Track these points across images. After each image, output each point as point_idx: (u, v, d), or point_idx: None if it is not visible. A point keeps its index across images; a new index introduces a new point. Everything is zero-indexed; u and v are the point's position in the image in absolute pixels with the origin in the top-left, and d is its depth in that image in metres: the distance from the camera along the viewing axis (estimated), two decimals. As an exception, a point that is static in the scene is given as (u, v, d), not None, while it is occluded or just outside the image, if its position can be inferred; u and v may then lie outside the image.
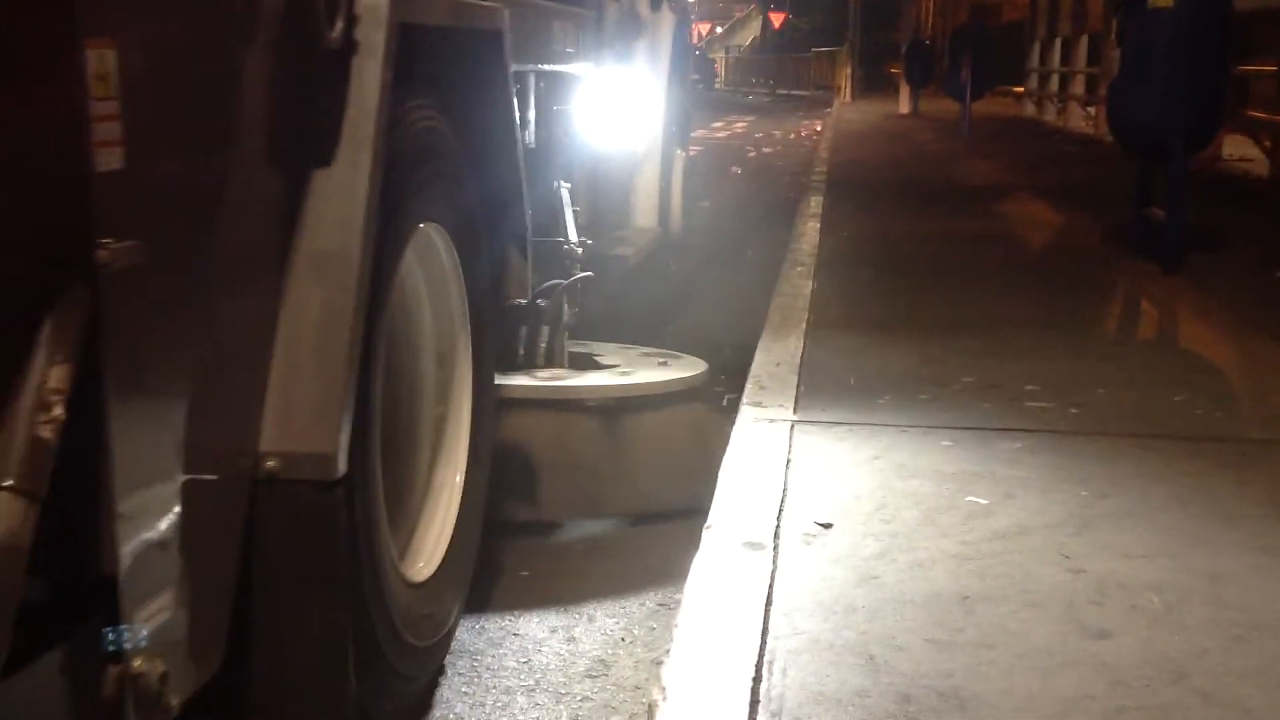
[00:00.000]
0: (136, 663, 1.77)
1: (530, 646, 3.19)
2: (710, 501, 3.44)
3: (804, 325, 5.70)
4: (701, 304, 7.18)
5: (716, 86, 46.64)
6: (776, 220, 10.06)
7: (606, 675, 3.07)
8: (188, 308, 1.94)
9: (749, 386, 4.66)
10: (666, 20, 6.35)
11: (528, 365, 4.01)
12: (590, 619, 3.34)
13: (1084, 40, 20.00)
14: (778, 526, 3.29)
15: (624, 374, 4.19)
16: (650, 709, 2.42)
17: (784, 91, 39.78)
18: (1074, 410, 4.43)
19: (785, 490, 3.56)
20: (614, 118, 4.98)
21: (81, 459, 1.64)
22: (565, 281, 4.12)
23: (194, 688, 1.98)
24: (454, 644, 3.09)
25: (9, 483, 1.51)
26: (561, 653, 3.17)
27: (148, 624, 1.81)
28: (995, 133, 19.33)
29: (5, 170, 1.58)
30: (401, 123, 2.52)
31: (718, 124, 25.46)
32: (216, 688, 2.07)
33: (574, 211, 4.37)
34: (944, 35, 35.18)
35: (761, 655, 2.58)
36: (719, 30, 67.46)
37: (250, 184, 2.12)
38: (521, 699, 2.94)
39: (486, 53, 3.10)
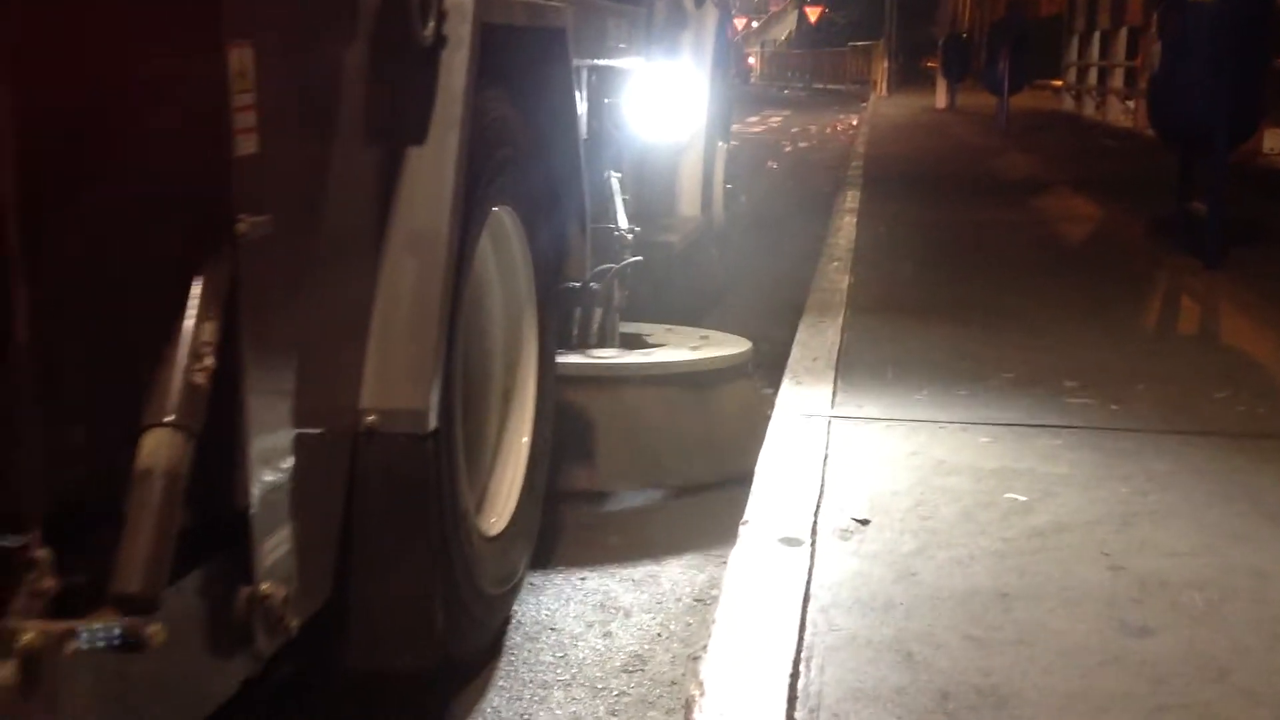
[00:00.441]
0: (264, 586, 1.99)
1: (567, 641, 3.19)
2: (753, 473, 3.63)
3: (841, 320, 5.68)
4: (743, 289, 7.24)
5: (751, 81, 46.57)
6: (813, 213, 10.04)
7: (643, 670, 3.06)
8: (306, 275, 2.18)
9: (786, 381, 4.65)
10: (710, 16, 6.52)
11: (582, 344, 4.23)
12: (626, 614, 3.34)
13: (1123, 33, 19.84)
14: (815, 522, 3.28)
15: (674, 352, 4.37)
16: (688, 704, 2.42)
17: (819, 86, 39.69)
18: (1114, 406, 4.39)
19: (823, 486, 3.55)
20: (661, 110, 5.20)
21: (224, 405, 1.85)
22: (616, 266, 4.35)
23: (308, 614, 2.21)
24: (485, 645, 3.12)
25: (170, 419, 1.73)
26: (598, 647, 3.16)
27: (273, 553, 2.04)
28: (1033, 126, 19.21)
29: (164, 156, 1.85)
30: (480, 112, 2.72)
31: (753, 119, 25.40)
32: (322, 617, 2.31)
33: (623, 200, 4.57)
34: (981, 29, 35.00)
35: (799, 651, 2.57)
36: (754, 25, 67.36)
37: (355, 167, 2.38)
38: (558, 693, 2.94)
39: (552, 49, 3.36)
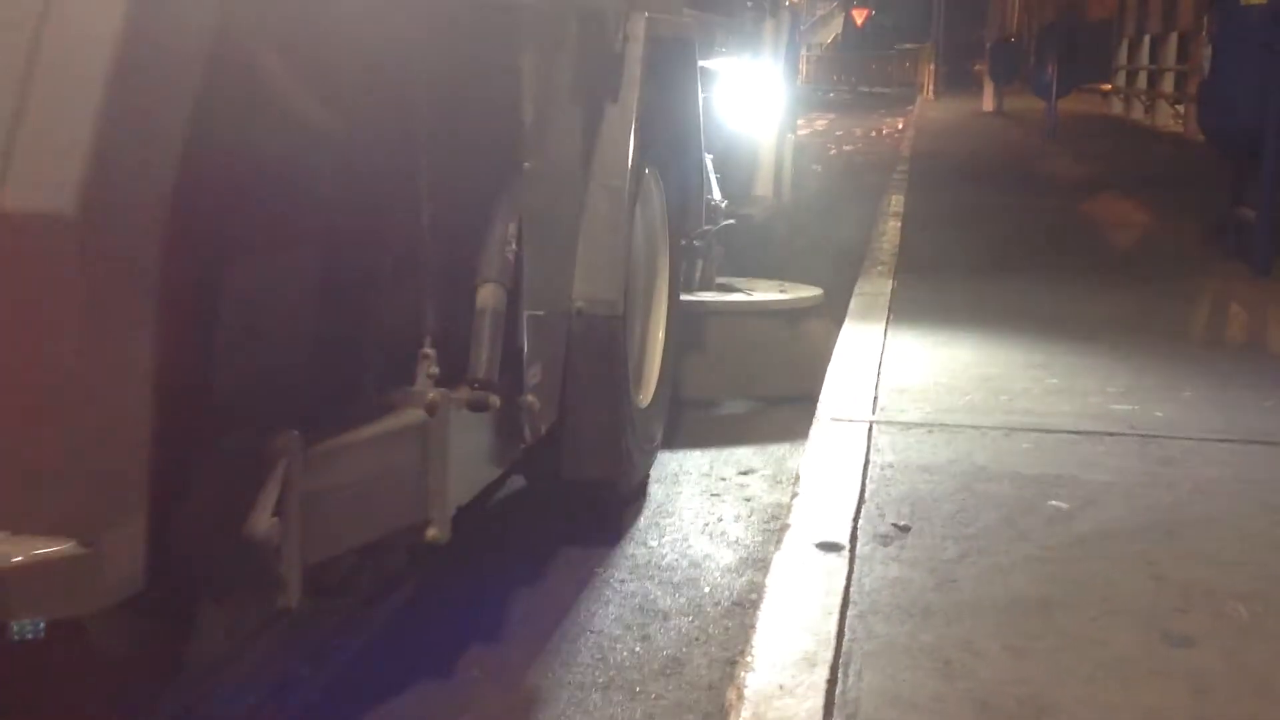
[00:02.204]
0: (529, 397, 3.03)
1: (605, 644, 3.20)
2: (819, 391, 4.56)
3: (883, 323, 5.67)
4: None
5: (798, 84, 46.11)
6: (858, 216, 9.99)
7: (680, 674, 3.06)
8: (552, 201, 3.26)
9: (826, 390, 4.64)
10: (783, 22, 7.58)
11: (687, 289, 5.01)
12: (665, 617, 3.34)
13: (1173, 38, 19.66)
14: (855, 528, 3.27)
15: (765, 295, 5.43)
16: (726, 710, 2.42)
17: (866, 89, 39.47)
18: (1159, 414, 4.35)
19: (863, 492, 3.54)
20: (746, 104, 6.34)
21: (517, 289, 2.85)
22: (715, 228, 5.30)
23: (545, 426, 3.23)
24: (526, 638, 3.21)
25: (494, 277, 2.71)
26: (636, 650, 3.17)
27: (532, 379, 3.05)
28: (1082, 131, 19.06)
29: (486, 126, 2.85)
30: (643, 98, 3.83)
31: (799, 121, 25.31)
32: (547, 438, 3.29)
33: (716, 177, 5.51)
34: (1030, 32, 34.75)
35: (837, 658, 2.57)
36: (801, 28, 67.10)
37: (576, 129, 3.52)
38: (595, 696, 2.95)
39: (685, 54, 4.53)
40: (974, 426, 4.17)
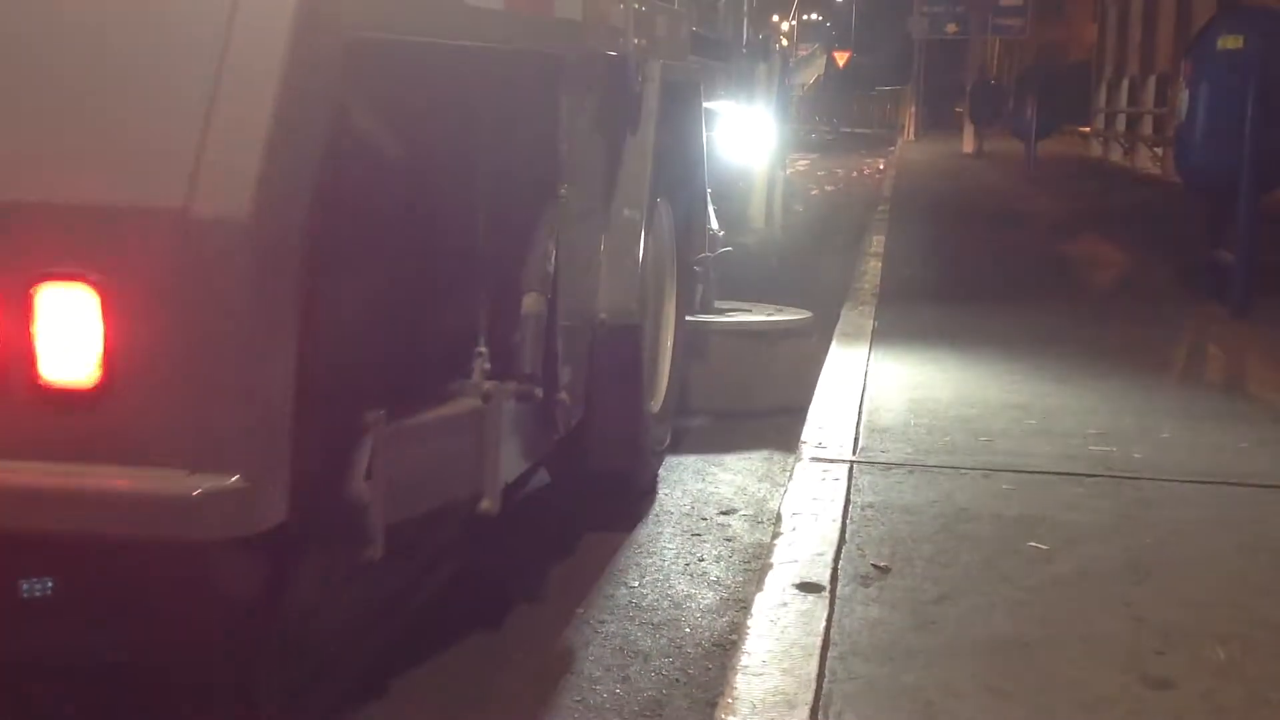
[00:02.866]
0: (562, 394, 3.49)
1: (585, 685, 3.19)
2: (807, 404, 5.00)
3: (864, 365, 5.69)
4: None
5: (787, 123, 46.23)
6: (841, 254, 10.04)
7: (660, 716, 3.06)
8: (580, 223, 3.74)
9: (809, 426, 4.66)
10: (774, 67, 8.16)
11: (689, 310, 5.33)
12: (645, 658, 3.34)
13: (1152, 80, 19.86)
14: (836, 569, 3.28)
15: (760, 316, 5.99)
16: (704, 751, 2.42)
17: (847, 129, 39.75)
18: (1137, 455, 4.38)
19: (844, 532, 3.55)
20: (741, 141, 6.87)
21: (554, 300, 3.29)
22: (714, 254, 5.72)
23: (574, 421, 3.71)
24: (504, 681, 3.22)
25: (536, 287, 3.15)
26: (616, 692, 3.16)
27: (564, 378, 3.52)
28: (1061, 173, 19.22)
29: (533, 160, 3.37)
30: (657, 134, 4.33)
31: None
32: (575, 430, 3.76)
33: (714, 208, 5.93)
34: (1009, 74, 35.04)
35: (818, 699, 2.57)
36: (790, 72, 67.46)
37: (600, 161, 3.99)
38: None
39: (692, 96, 5.08)
40: (954, 467, 4.19)
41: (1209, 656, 2.81)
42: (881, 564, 3.31)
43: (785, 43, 10.33)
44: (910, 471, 4.13)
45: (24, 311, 2.10)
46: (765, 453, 5.21)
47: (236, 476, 2.10)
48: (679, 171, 4.84)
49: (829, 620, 2.95)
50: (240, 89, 2.11)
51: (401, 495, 2.59)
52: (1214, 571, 3.33)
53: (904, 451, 4.34)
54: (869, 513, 3.72)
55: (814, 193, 17.13)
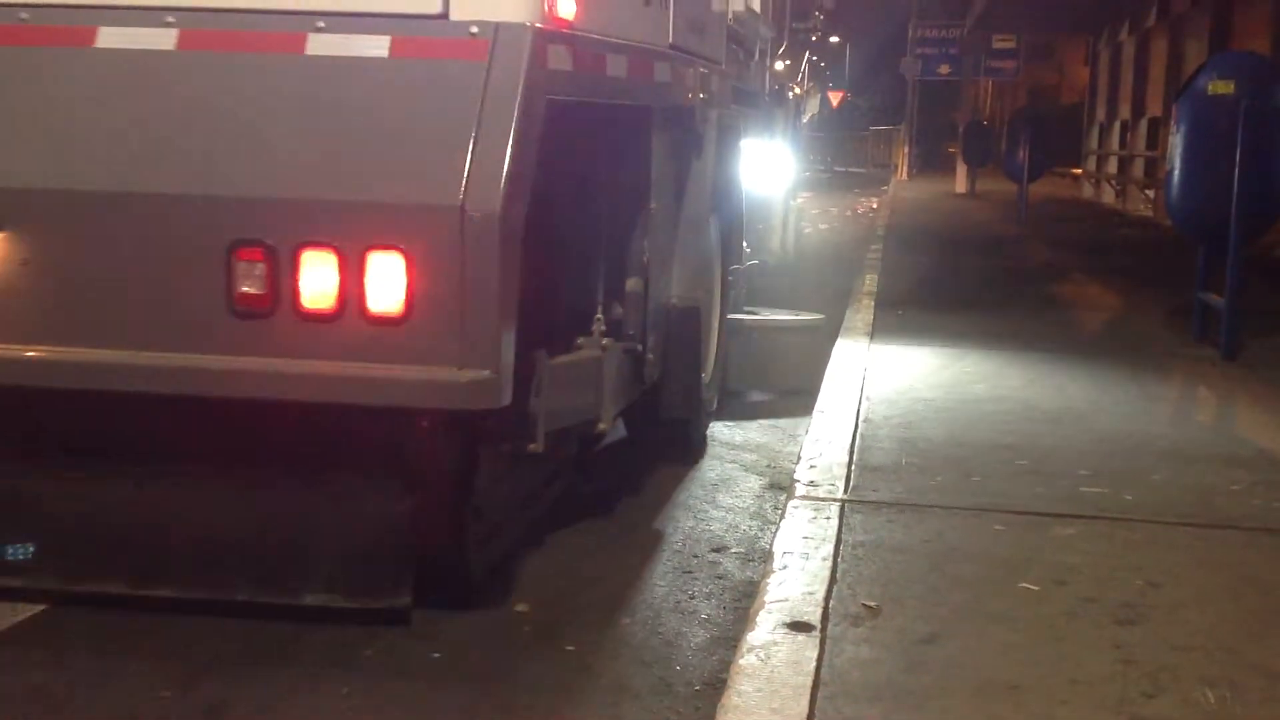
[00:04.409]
0: (650, 355, 4.72)
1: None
2: (819, 388, 6.23)
3: (857, 405, 5.71)
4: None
5: (799, 160, 46.29)
6: (840, 286, 10.08)
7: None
8: (662, 231, 4.89)
9: (801, 465, 4.67)
10: (790, 111, 10.22)
11: (727, 308, 6.52)
12: (636, 696, 3.33)
13: (1143, 124, 19.99)
14: (826, 608, 3.28)
15: (783, 316, 7.31)
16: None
17: (840, 169, 39.88)
18: (1128, 497, 4.39)
19: (834, 572, 3.56)
20: (764, 173, 8.14)
21: (646, 284, 4.71)
22: (743, 266, 7.12)
23: (653, 379, 4.88)
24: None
25: (637, 274, 4.61)
26: None
27: (650, 343, 4.74)
28: (1053, 214, 19.30)
29: (631, 180, 4.69)
30: (713, 164, 5.69)
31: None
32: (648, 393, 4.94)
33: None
34: (1002, 116, 35.22)
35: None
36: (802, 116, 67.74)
37: (674, 184, 5.17)
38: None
39: (734, 135, 6.45)
40: (944, 507, 4.20)
41: (1198, 700, 2.82)
42: (872, 603, 3.32)
43: (797, 90, 12.37)
44: (901, 510, 4.14)
45: (359, 269, 3.32)
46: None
47: (487, 372, 3.30)
48: (724, 194, 6.17)
49: (819, 660, 2.96)
50: (491, 132, 3.33)
51: (552, 410, 3.80)
52: (1204, 614, 3.33)
53: (895, 490, 4.36)
54: (860, 551, 3.72)
55: (807, 230, 17.21)
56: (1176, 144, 7.57)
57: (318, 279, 3.34)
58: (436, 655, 3.52)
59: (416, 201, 3.33)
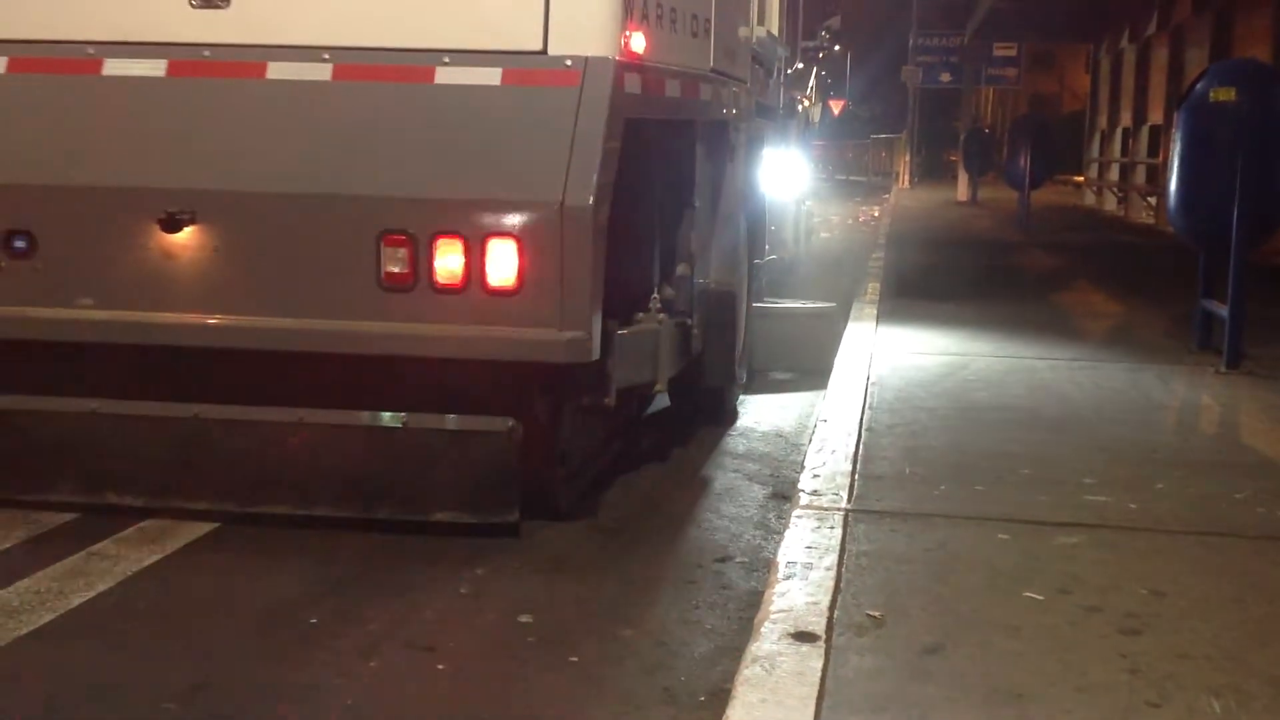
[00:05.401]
0: (695, 329, 5.85)
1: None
2: (831, 364, 7.10)
3: (860, 415, 5.71)
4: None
5: (810, 167, 46.23)
6: (844, 287, 10.08)
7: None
8: (704, 225, 6.02)
9: (804, 474, 4.67)
10: (801, 123, 11.42)
11: (752, 297, 7.41)
12: (640, 707, 3.33)
13: (1145, 131, 19.99)
14: (831, 618, 3.28)
15: (801, 304, 8.37)
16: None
17: (842, 177, 39.89)
18: (1132, 505, 4.39)
19: (838, 581, 3.55)
20: (780, 178, 8.89)
21: (692, 270, 5.93)
22: (764, 261, 7.89)
23: (697, 351, 5.92)
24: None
25: (685, 260, 5.84)
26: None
27: (696, 318, 5.88)
28: (1055, 222, 19.30)
29: (678, 179, 5.84)
30: (743, 168, 6.63)
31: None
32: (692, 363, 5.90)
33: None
34: (1003, 124, 35.23)
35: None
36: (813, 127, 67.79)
37: (712, 186, 6.19)
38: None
39: (759, 143, 7.36)
40: (947, 516, 4.20)
41: (1204, 708, 2.81)
42: (876, 614, 3.31)
43: (806, 103, 13.58)
44: (905, 520, 4.14)
45: (481, 252, 4.23)
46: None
47: (581, 333, 4.21)
48: (751, 197, 6.98)
49: (824, 669, 2.95)
50: (584, 144, 4.24)
51: (621, 370, 4.71)
52: (1209, 623, 3.33)
53: (899, 499, 4.36)
54: (864, 561, 3.72)
55: (823, 234, 17.21)
56: (1178, 151, 7.57)
57: (448, 260, 4.25)
58: (441, 667, 3.51)
59: (526, 199, 4.22)
